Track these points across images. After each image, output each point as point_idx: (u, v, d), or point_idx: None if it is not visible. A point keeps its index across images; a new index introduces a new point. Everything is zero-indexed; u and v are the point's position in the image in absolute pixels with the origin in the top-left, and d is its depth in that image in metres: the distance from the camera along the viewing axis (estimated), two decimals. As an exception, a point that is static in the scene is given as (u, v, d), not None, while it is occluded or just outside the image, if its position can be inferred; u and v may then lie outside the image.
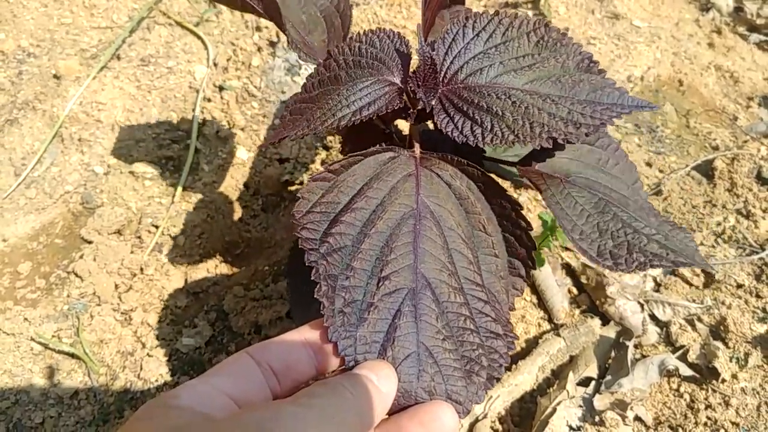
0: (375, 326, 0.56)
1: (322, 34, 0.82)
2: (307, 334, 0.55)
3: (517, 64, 0.66)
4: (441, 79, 0.67)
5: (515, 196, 1.17)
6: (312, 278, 0.57)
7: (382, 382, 0.51)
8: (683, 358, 1.10)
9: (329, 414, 0.45)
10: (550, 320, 1.17)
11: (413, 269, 0.59)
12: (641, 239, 0.64)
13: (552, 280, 1.19)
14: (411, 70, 0.68)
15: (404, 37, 0.68)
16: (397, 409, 0.54)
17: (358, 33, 0.69)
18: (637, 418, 1.03)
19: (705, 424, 1.02)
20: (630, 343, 1.10)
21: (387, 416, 0.53)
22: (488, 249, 0.63)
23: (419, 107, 0.67)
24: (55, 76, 1.45)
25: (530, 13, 1.80)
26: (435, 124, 0.66)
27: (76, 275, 1.16)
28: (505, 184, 0.79)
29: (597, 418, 1.02)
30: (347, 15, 0.83)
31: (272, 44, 1.58)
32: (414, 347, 0.56)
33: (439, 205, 0.63)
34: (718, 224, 1.33)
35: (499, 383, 1.06)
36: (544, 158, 0.71)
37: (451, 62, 0.68)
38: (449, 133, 0.64)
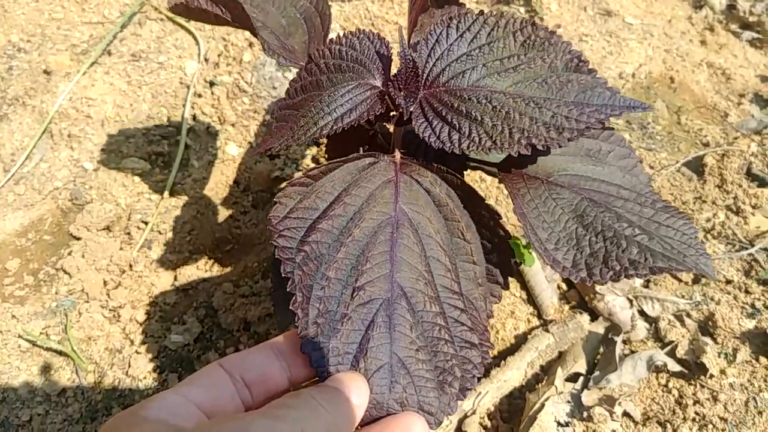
0: (348, 337, 0.55)
1: (303, 35, 0.81)
2: (280, 345, 0.55)
3: (501, 65, 0.64)
4: (423, 82, 0.66)
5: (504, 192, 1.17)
6: (288, 289, 0.56)
7: (353, 394, 0.51)
8: (672, 354, 1.10)
9: (300, 426, 0.45)
10: (539, 316, 1.17)
11: (389, 278, 0.58)
12: (620, 243, 0.62)
13: (541, 276, 1.19)
14: (394, 71, 0.67)
15: (385, 39, 0.67)
16: (369, 420, 0.54)
17: (338, 35, 0.68)
18: (626, 414, 1.03)
19: (693, 419, 1.02)
20: (618, 339, 1.11)
21: (359, 427, 0.53)
22: (467, 256, 0.62)
23: (401, 110, 0.66)
24: (46, 72, 1.45)
25: (522, 9, 1.80)
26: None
27: (65, 272, 1.16)
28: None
29: (585, 414, 1.02)
30: (327, 14, 0.83)
31: (263, 40, 1.57)
32: (387, 358, 0.56)
33: (418, 212, 0.62)
34: (708, 220, 1.33)
35: (488, 379, 1.06)
36: (528, 161, 0.70)
37: (434, 65, 0.66)
38: (426, 138, 0.63)
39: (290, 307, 0.55)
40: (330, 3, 1.64)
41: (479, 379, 0.66)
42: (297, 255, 0.58)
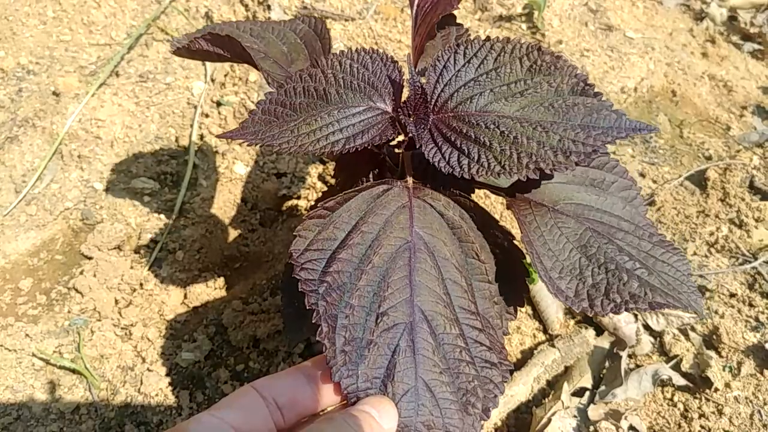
0: (375, 362, 0.57)
1: (305, 61, 0.83)
2: (310, 369, 0.57)
3: (508, 90, 0.65)
4: (431, 108, 0.67)
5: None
6: (313, 321, 0.57)
7: (383, 418, 0.53)
8: (677, 368, 1.11)
9: None
10: (545, 331, 1.19)
11: (410, 303, 0.60)
12: (621, 277, 0.63)
13: (547, 291, 1.20)
14: (403, 98, 0.68)
15: (397, 63, 0.69)
16: None
17: (350, 49, 0.69)
18: (632, 428, 1.04)
19: (699, 433, 1.04)
20: (624, 354, 1.12)
21: None
22: (482, 276, 0.64)
23: (410, 136, 0.67)
24: (55, 93, 1.47)
25: (524, 26, 1.82)
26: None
27: (77, 291, 1.18)
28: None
29: (591, 428, 1.03)
30: (326, 38, 0.84)
31: (269, 59, 1.59)
32: (413, 382, 0.57)
33: (433, 235, 0.63)
34: (711, 234, 1.35)
35: (504, 386, 1.07)
36: (535, 186, 0.71)
37: (442, 90, 0.68)
38: (436, 164, 0.64)
39: (317, 338, 0.57)
40: (334, 21, 1.66)
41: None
42: (320, 286, 0.59)
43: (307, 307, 0.58)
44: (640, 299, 0.61)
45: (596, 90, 0.64)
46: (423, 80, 0.69)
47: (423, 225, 0.64)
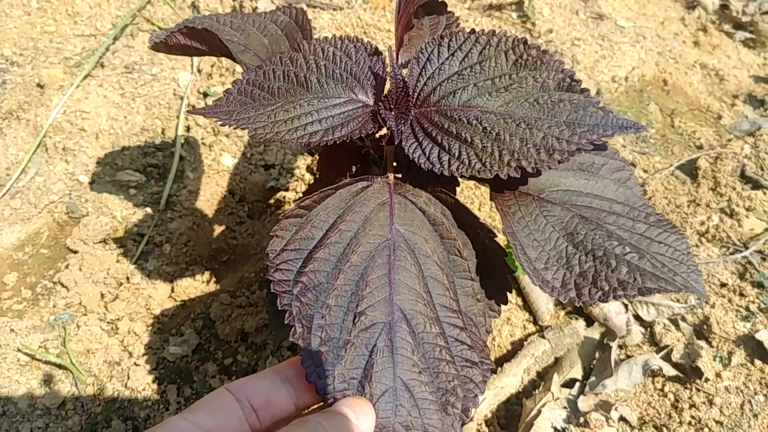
0: (352, 363, 0.56)
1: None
2: (286, 370, 0.56)
3: (492, 85, 0.64)
4: (413, 102, 0.66)
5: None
6: (286, 322, 0.56)
7: (360, 420, 0.52)
8: (667, 358, 1.11)
9: None
10: (535, 322, 1.18)
11: (389, 302, 0.58)
12: (610, 263, 0.61)
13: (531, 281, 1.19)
14: (385, 90, 0.66)
15: (382, 54, 0.67)
16: None
17: (333, 36, 0.68)
18: (622, 419, 1.04)
19: (689, 423, 1.03)
20: (614, 344, 1.11)
21: None
22: (464, 273, 0.62)
23: (392, 130, 0.66)
24: (39, 85, 1.45)
25: (515, 15, 1.81)
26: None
27: (62, 285, 1.16)
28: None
29: (582, 420, 1.02)
30: (307, 29, 0.82)
31: (257, 49, 1.58)
32: (391, 382, 0.56)
33: (414, 232, 0.62)
34: (702, 223, 1.34)
35: (485, 385, 1.06)
36: (519, 182, 0.69)
37: (424, 84, 0.66)
38: (416, 160, 0.63)
39: (291, 339, 0.56)
40: (322, 11, 1.65)
41: (492, 372, 0.65)
42: (294, 287, 0.58)
43: (279, 308, 0.57)
44: (629, 285, 0.60)
45: (583, 86, 0.62)
46: (405, 72, 0.67)
47: (403, 222, 0.62)
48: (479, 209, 1.32)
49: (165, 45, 0.77)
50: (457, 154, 0.61)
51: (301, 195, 1.32)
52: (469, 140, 0.61)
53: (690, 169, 1.47)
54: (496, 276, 0.64)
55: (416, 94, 0.66)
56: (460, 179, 0.71)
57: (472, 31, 0.66)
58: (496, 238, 0.63)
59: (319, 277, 0.58)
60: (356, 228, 0.61)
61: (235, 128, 0.77)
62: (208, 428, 0.49)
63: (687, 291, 0.60)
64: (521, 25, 1.79)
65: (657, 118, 1.62)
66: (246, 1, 1.66)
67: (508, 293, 0.64)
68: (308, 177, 1.37)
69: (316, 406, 0.58)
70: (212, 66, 1.54)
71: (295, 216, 0.61)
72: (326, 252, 0.59)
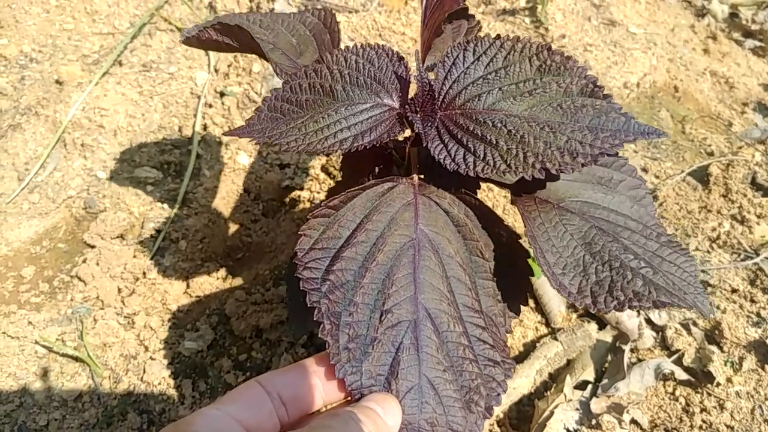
0: (379, 360, 0.57)
1: (313, 53, 0.82)
2: (314, 365, 0.57)
3: (517, 89, 0.65)
4: (439, 104, 0.67)
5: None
6: (315, 318, 0.57)
7: (387, 415, 0.53)
8: (679, 362, 1.12)
9: None
10: (547, 324, 1.19)
11: (414, 300, 0.60)
12: (626, 274, 0.62)
13: (549, 285, 1.20)
14: (410, 94, 0.68)
15: (404, 59, 0.68)
16: None
17: (355, 45, 0.69)
18: (634, 422, 1.05)
19: (700, 427, 1.04)
20: (626, 347, 1.12)
21: None
22: (486, 274, 0.64)
23: (417, 132, 0.67)
24: (58, 82, 1.47)
25: (528, 20, 1.82)
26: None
27: (80, 279, 1.17)
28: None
29: (594, 422, 1.03)
30: (336, 30, 0.84)
31: (273, 50, 1.59)
32: (416, 379, 0.57)
33: (438, 233, 0.63)
34: (713, 230, 1.35)
35: (506, 384, 1.07)
36: (540, 185, 0.70)
37: (450, 87, 0.67)
38: (442, 161, 0.64)
39: (320, 335, 0.57)
40: (338, 13, 1.66)
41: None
42: (323, 285, 0.59)
43: (308, 305, 0.58)
44: (644, 297, 0.61)
45: (605, 92, 0.63)
46: (431, 76, 0.68)
47: (428, 222, 0.64)
48: (503, 212, 1.33)
49: (197, 39, 0.79)
50: (482, 156, 0.63)
51: (315, 194, 1.33)
52: (494, 142, 0.62)
53: (701, 176, 1.48)
54: (517, 277, 0.65)
55: (442, 97, 0.68)
56: (479, 188, 0.73)
57: (498, 36, 0.68)
58: (520, 240, 0.64)
59: (347, 276, 0.60)
60: (382, 228, 0.62)
61: (269, 145, 0.78)
62: (239, 419, 0.50)
63: (696, 311, 0.61)
64: (534, 30, 1.80)
65: (668, 125, 1.63)
66: (263, 2, 1.68)
67: (528, 294, 0.66)
68: (323, 176, 1.38)
69: (341, 401, 0.59)
70: (229, 66, 1.56)
71: (323, 216, 0.62)
72: (353, 251, 0.61)
